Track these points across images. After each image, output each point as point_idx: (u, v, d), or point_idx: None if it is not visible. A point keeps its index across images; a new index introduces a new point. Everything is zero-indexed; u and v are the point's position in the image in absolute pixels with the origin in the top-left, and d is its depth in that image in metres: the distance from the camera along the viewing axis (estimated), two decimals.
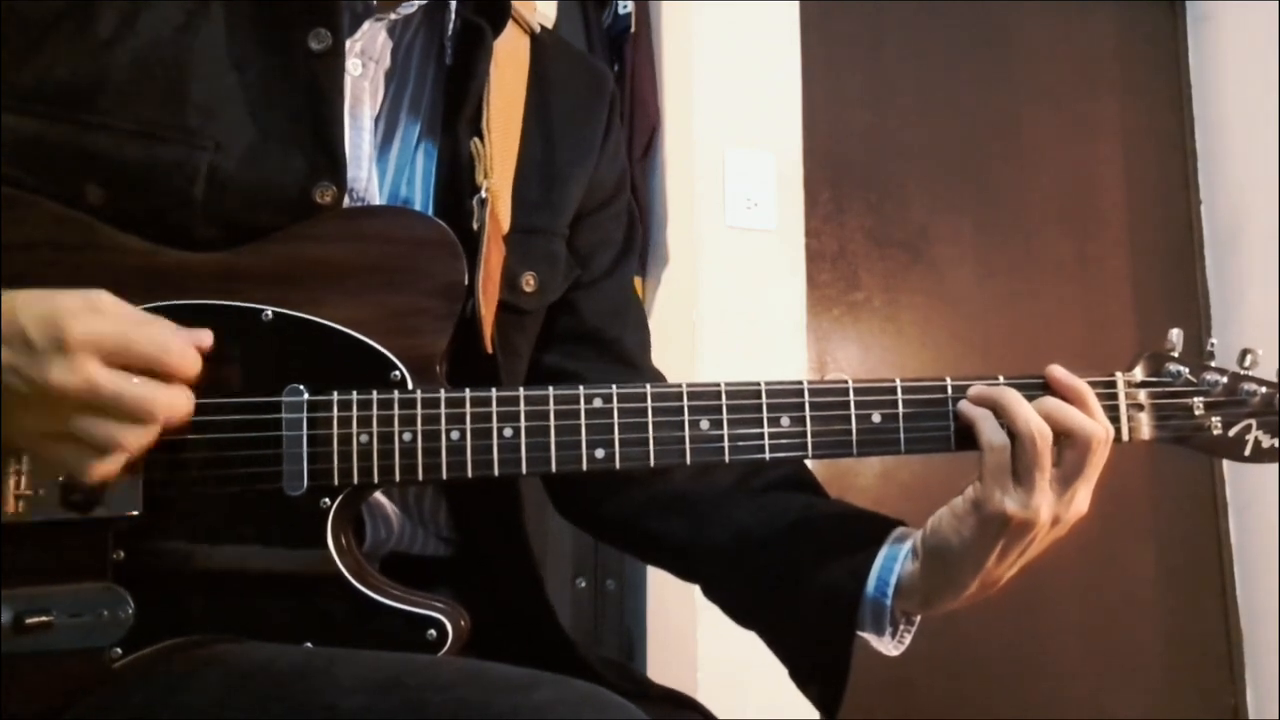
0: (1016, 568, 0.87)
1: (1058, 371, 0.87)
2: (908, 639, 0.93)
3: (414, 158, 0.92)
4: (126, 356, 0.73)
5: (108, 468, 0.73)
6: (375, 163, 0.90)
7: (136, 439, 0.73)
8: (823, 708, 0.93)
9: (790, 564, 0.93)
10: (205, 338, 0.77)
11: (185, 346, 0.76)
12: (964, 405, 0.86)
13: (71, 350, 0.71)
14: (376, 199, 0.89)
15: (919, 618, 0.92)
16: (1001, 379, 0.87)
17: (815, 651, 0.92)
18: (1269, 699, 2.54)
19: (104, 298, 0.74)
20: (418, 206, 0.91)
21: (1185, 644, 2.61)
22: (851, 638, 0.90)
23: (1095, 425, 0.84)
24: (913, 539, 0.90)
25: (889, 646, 0.93)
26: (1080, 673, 2.50)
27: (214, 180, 0.82)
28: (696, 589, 1.02)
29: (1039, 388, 0.87)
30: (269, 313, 0.80)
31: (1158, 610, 2.61)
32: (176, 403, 0.75)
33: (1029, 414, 0.83)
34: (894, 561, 0.90)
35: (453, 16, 0.93)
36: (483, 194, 0.88)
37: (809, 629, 0.92)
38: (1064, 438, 0.84)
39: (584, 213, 1.01)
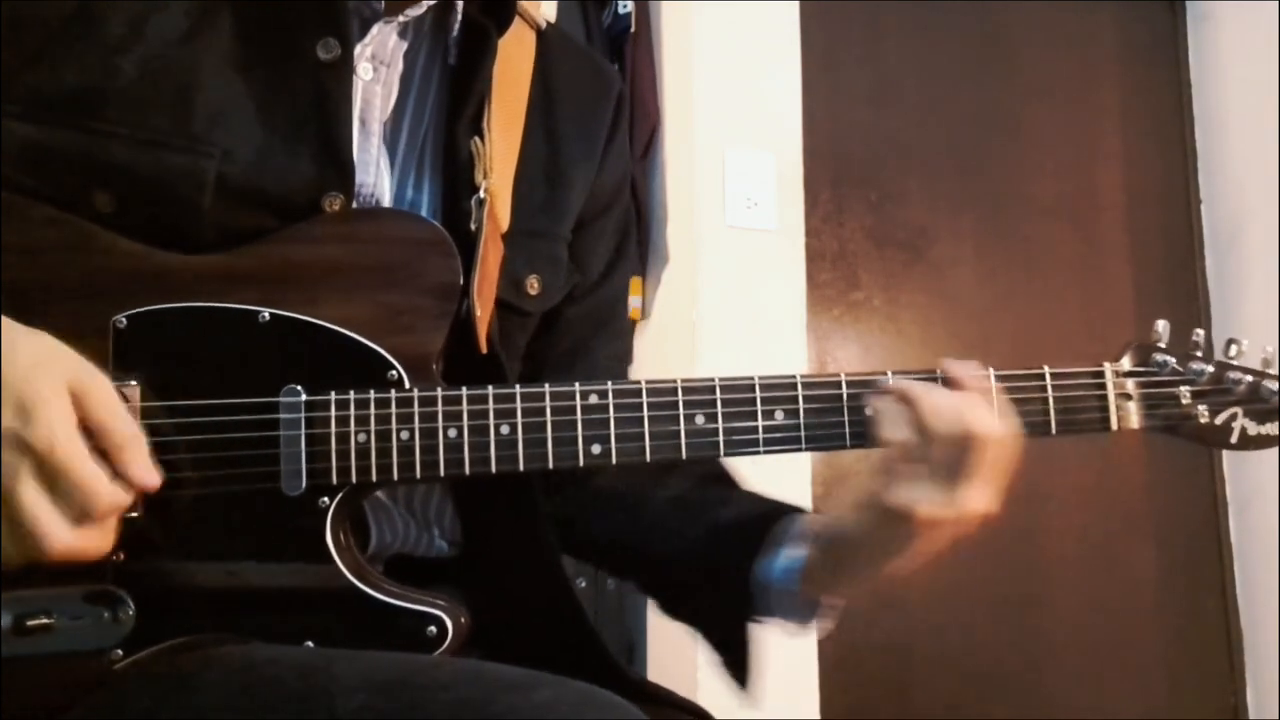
0: (919, 563, 0.86)
1: (951, 366, 0.87)
2: (824, 623, 0.92)
3: (421, 161, 0.92)
4: (59, 474, 0.68)
5: None
6: (384, 168, 0.90)
7: (19, 553, 0.69)
8: (734, 677, 0.94)
9: (696, 541, 0.95)
10: (154, 482, 0.73)
11: (115, 500, 0.71)
12: (873, 398, 0.85)
13: (25, 448, 0.67)
14: (386, 204, 0.89)
15: (838, 603, 0.92)
16: (890, 374, 0.86)
17: (718, 609, 0.94)
18: (1269, 699, 2.54)
19: (93, 388, 0.70)
20: (424, 210, 0.91)
21: (1185, 644, 2.61)
22: (747, 589, 0.91)
23: (983, 420, 0.82)
24: (811, 523, 0.91)
25: (800, 630, 0.93)
26: (1080, 673, 2.49)
27: (222, 189, 0.81)
28: None
29: (934, 382, 0.86)
30: (265, 314, 0.80)
31: (1158, 610, 2.60)
32: (74, 545, 0.69)
33: (931, 406, 0.83)
34: (792, 545, 0.90)
35: (458, 17, 0.92)
36: (480, 194, 0.88)
37: (711, 599, 0.94)
38: (959, 434, 0.82)
39: (583, 219, 1.01)
